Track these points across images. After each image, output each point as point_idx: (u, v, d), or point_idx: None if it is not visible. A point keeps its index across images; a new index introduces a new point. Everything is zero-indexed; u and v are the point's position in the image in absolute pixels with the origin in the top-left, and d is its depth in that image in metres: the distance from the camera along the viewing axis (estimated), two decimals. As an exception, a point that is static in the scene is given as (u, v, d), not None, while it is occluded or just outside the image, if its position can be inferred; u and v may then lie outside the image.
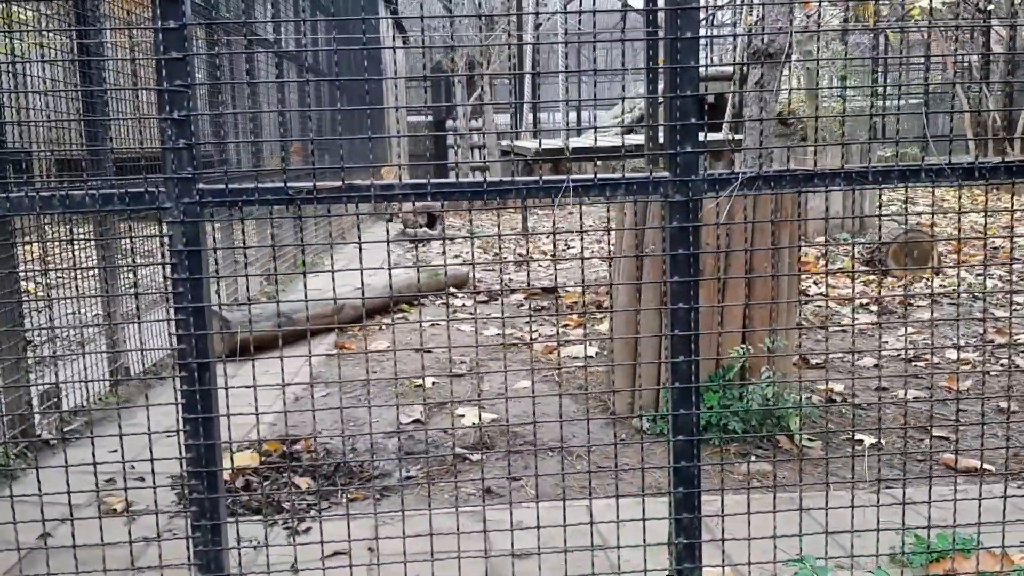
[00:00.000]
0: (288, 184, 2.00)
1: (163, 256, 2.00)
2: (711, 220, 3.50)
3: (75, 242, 3.91)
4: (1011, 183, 2.09)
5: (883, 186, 2.09)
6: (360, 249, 2.13)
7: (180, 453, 2.06)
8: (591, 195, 2.07)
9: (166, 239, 2.00)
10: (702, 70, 2.09)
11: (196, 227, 1.99)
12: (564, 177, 2.05)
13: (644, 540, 2.18)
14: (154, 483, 2.26)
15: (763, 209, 3.56)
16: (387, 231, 2.24)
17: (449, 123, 20.39)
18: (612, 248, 4.16)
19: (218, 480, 2.07)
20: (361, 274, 2.21)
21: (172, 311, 2.01)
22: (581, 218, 2.28)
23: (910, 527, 2.44)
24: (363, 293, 2.38)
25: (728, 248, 3.47)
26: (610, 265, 3.01)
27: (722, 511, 2.20)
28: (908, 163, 2.08)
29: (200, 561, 2.08)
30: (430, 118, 19.96)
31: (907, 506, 2.81)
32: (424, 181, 2.02)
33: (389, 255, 2.28)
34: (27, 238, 3.84)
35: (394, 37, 18.89)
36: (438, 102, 20.65)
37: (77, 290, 3.54)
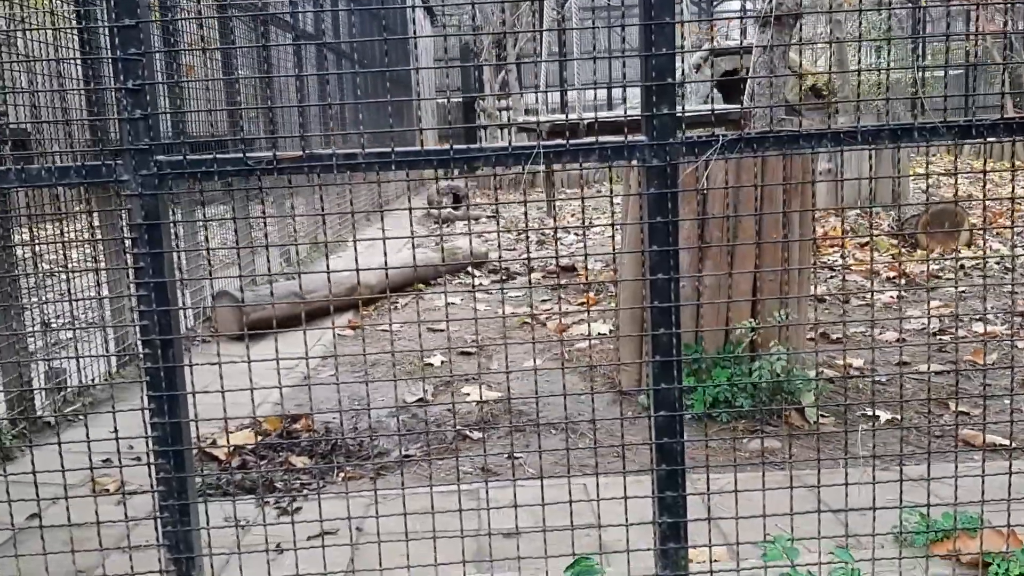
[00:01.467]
0: (247, 155, 1.93)
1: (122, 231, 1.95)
2: (717, 184, 3.39)
3: (68, 222, 3.89)
4: (1011, 141, 1.97)
5: (873, 146, 1.98)
6: (385, 241, 2.06)
7: (146, 432, 2.01)
8: (563, 161, 1.98)
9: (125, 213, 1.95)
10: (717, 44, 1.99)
11: (156, 200, 1.94)
12: (535, 143, 1.96)
13: (626, 520, 2.10)
14: (149, 462, 2.20)
15: (773, 175, 3.43)
16: (410, 216, 2.17)
17: (477, 103, 20.26)
18: (620, 220, 4.06)
19: (185, 459, 2.03)
20: (358, 272, 2.15)
21: (133, 287, 1.96)
22: (582, 189, 2.19)
23: (914, 504, 2.33)
24: (357, 281, 2.31)
25: (725, 215, 3.35)
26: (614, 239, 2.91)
27: (707, 488, 2.12)
28: (900, 122, 1.96)
29: (169, 542, 2.04)
30: (459, 99, 19.86)
31: (914, 483, 2.70)
32: (388, 150, 1.95)
33: (413, 246, 2.21)
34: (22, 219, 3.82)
35: (417, 19, 18.78)
36: (466, 81, 20.54)
37: (67, 271, 3.51)
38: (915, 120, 1.98)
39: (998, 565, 2.07)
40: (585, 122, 6.93)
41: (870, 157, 2.36)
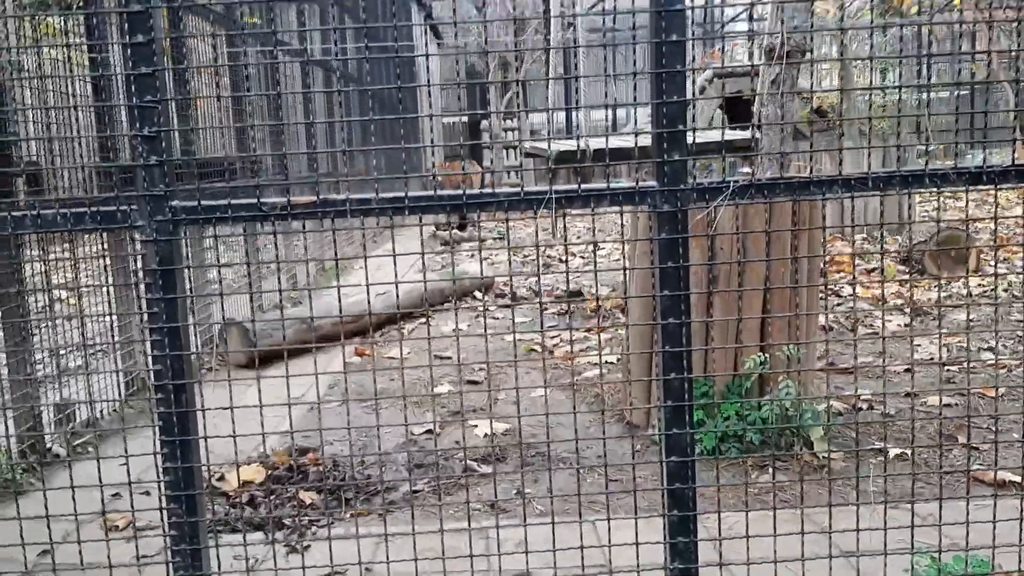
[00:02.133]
0: (261, 200, 1.94)
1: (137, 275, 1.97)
2: (724, 230, 3.40)
3: (80, 259, 3.92)
4: (1022, 187, 1.97)
5: (885, 192, 1.98)
6: (395, 258, 2.07)
7: (158, 476, 2.02)
8: (575, 207, 1.99)
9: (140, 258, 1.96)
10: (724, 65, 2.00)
11: (170, 245, 1.95)
12: (547, 189, 1.97)
13: (637, 565, 2.09)
14: (161, 506, 2.19)
15: (782, 217, 3.44)
16: (421, 242, 2.18)
17: (483, 123, 20.38)
18: (627, 257, 4.07)
19: (198, 503, 2.03)
20: (368, 294, 2.16)
21: (147, 332, 1.97)
22: (595, 232, 2.20)
23: (926, 550, 2.32)
24: (369, 311, 2.32)
25: (742, 259, 3.36)
26: (624, 281, 2.91)
27: (719, 535, 2.11)
28: (911, 168, 1.96)
29: (180, 585, 2.04)
30: (464, 119, 19.98)
31: (925, 525, 2.69)
32: (402, 195, 1.96)
33: (424, 268, 2.22)
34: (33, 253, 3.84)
35: (427, 43, 18.90)
36: (472, 103, 20.64)
37: (80, 308, 3.52)
38: (926, 166, 1.98)
39: (1012, 611, 2.06)
40: (593, 149, 6.95)
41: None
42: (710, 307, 3.51)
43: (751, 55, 3.86)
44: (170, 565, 2.04)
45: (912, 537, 2.23)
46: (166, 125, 1.92)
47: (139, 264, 1.99)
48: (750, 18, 2.37)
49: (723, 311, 3.53)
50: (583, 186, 1.99)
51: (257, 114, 6.96)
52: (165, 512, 2.02)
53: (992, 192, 1.99)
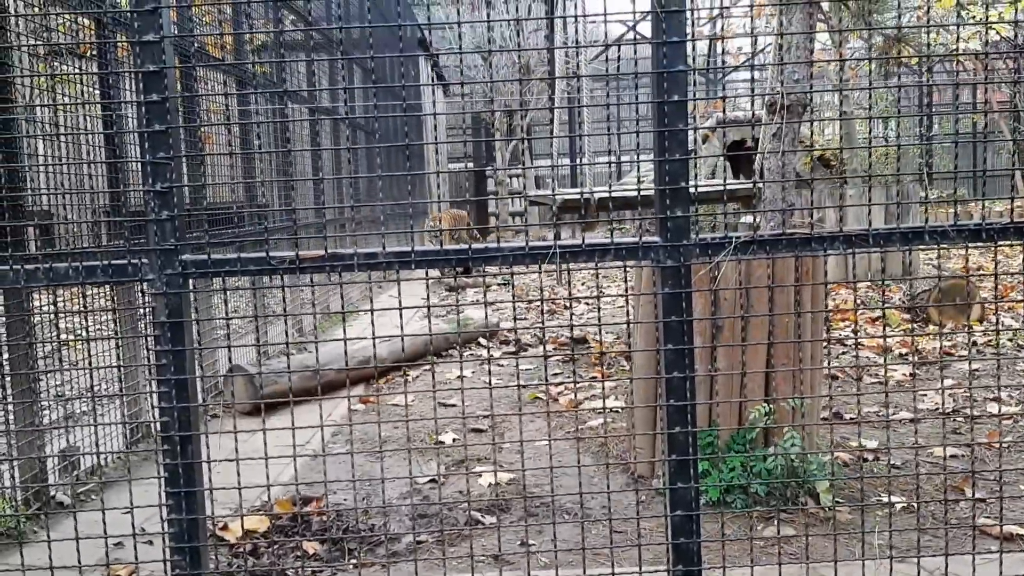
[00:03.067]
0: (270, 255, 1.97)
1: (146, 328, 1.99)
2: (727, 281, 3.42)
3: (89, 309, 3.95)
4: (1022, 244, 2.00)
5: (885, 249, 2.01)
6: (401, 308, 2.10)
7: (163, 528, 2.02)
8: (579, 261, 2.02)
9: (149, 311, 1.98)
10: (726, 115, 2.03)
11: (179, 298, 1.98)
12: (551, 243, 2.00)
13: (642, 620, 2.08)
14: (164, 558, 2.19)
15: (785, 269, 3.46)
16: (427, 292, 2.20)
17: (488, 171, 20.56)
18: (631, 310, 4.09)
19: (202, 556, 2.03)
20: (374, 342, 2.18)
21: (155, 384, 1.99)
22: (598, 279, 2.23)
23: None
24: (375, 355, 2.34)
25: (745, 313, 3.37)
26: (628, 329, 2.95)
27: (723, 572, 2.10)
28: (910, 225, 1.99)
29: (182, 639, 2.03)
30: (471, 165, 20.14)
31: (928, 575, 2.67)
32: (408, 249, 1.99)
33: (430, 315, 2.24)
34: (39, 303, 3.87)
35: (434, 92, 19.15)
36: (478, 150, 20.84)
37: (89, 356, 3.55)
38: (926, 223, 2.01)
39: (1021, 670, 2.04)
40: (597, 197, 7.02)
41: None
42: (714, 359, 3.52)
43: (752, 103, 3.93)
44: (173, 618, 2.03)
45: (918, 593, 2.21)
46: (178, 181, 1.96)
47: (147, 315, 2.02)
48: (751, 68, 2.42)
49: (727, 363, 3.54)
50: (587, 241, 2.02)
51: (266, 160, 7.05)
52: (169, 565, 2.02)
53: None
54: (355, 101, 11.74)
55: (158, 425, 2.00)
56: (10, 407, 3.24)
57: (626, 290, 2.43)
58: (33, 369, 3.42)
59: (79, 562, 2.28)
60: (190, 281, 1.99)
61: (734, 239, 2.00)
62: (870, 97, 2.40)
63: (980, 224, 2.00)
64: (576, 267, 2.05)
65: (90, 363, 2.56)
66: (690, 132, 2.00)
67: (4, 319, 3.30)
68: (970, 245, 2.01)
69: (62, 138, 3.89)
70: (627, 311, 2.34)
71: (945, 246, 1.99)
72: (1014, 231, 2.00)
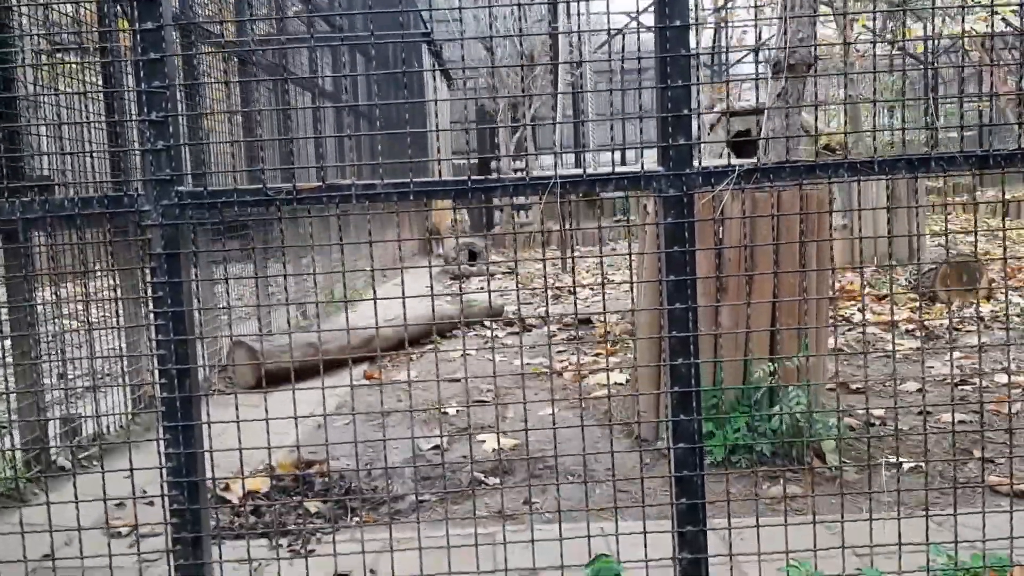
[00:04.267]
0: (267, 185, 1.95)
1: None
2: (731, 230, 3.39)
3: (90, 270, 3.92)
4: (1029, 169, 1.96)
5: (891, 176, 1.98)
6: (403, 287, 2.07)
7: (162, 480, 2.00)
8: (580, 191, 2.00)
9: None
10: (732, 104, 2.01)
11: (176, 230, 1.95)
12: (552, 174, 1.98)
13: (646, 555, 2.05)
14: (163, 493, 2.15)
15: (790, 226, 3.43)
16: (430, 269, 2.18)
17: (492, 163, 20.54)
18: (635, 270, 4.06)
19: (200, 491, 2.01)
20: (376, 322, 2.16)
21: (151, 316, 1.97)
22: (601, 244, 2.20)
23: (941, 541, 2.27)
24: (376, 328, 2.31)
25: (746, 245, 3.34)
26: (632, 288, 2.93)
27: (728, 521, 2.07)
28: (917, 152, 1.96)
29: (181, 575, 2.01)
30: (475, 161, 20.14)
31: (939, 527, 2.64)
32: (407, 180, 1.96)
33: (432, 288, 2.22)
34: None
35: (436, 86, 19.13)
36: (482, 143, 20.82)
37: (88, 320, 3.53)
38: (932, 150, 1.98)
39: (1030, 606, 2.01)
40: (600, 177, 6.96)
41: (888, 212, 2.36)
42: (718, 317, 3.49)
43: (757, 94, 3.89)
44: (170, 555, 2.01)
45: (927, 532, 2.18)
46: (173, 111, 1.94)
47: (143, 251, 2.00)
48: (756, 54, 2.39)
49: (732, 323, 3.51)
50: (587, 172, 1.99)
51: (267, 136, 7.03)
52: (168, 512, 2.00)
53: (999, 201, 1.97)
54: (357, 91, 11.73)
55: (155, 360, 1.98)
56: (9, 368, 3.23)
57: (631, 274, 2.40)
58: (32, 326, 3.40)
59: (77, 517, 2.25)
60: (187, 213, 1.96)
61: (737, 167, 1.97)
62: (875, 80, 2.37)
63: (987, 151, 1.97)
64: (576, 199, 2.02)
65: (89, 324, 2.54)
66: (695, 119, 1.98)
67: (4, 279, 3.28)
68: (977, 172, 1.97)
69: (61, 98, 3.86)
70: (631, 297, 2.31)
71: (953, 173, 1.96)
72: (1021, 158, 1.97)
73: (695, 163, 1.97)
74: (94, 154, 3.77)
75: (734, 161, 2.04)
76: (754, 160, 2.02)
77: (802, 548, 2.12)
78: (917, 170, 1.97)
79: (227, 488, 3.32)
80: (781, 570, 1.80)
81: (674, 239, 1.98)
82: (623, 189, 2.00)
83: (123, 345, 4.37)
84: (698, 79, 2.10)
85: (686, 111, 1.95)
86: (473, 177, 1.97)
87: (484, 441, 4.02)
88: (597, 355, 5.89)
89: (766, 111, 3.80)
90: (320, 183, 1.95)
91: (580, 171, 1.98)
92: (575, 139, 20.24)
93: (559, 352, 6.23)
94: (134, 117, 1.94)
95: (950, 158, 1.96)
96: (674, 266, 1.99)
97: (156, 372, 1.97)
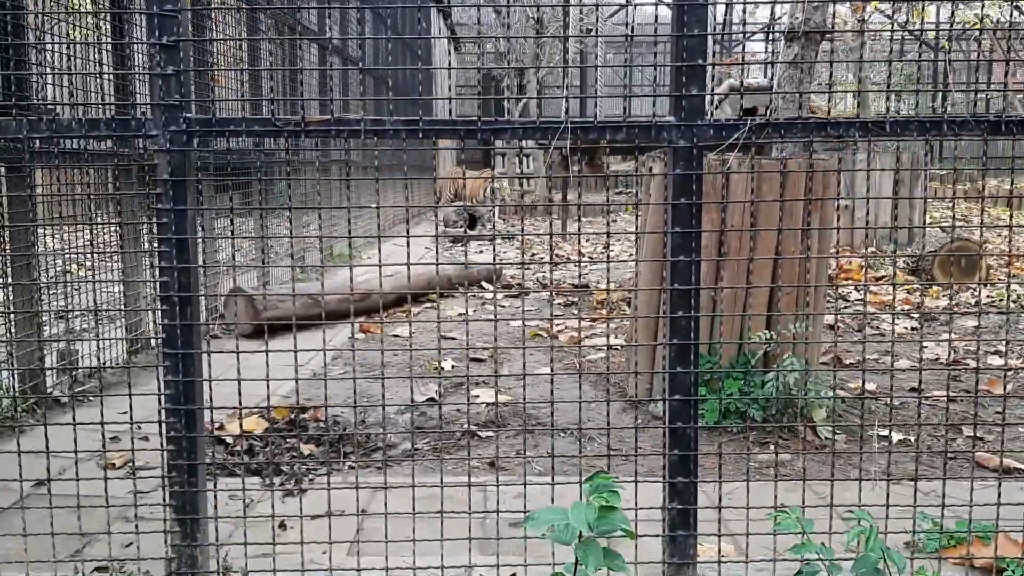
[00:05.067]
0: (276, 116, 1.94)
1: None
2: (736, 196, 3.39)
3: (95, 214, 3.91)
4: (1041, 137, 1.96)
5: (902, 138, 1.97)
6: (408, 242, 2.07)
7: (159, 389, 2.01)
8: (590, 138, 1.99)
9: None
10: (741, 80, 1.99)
11: (183, 156, 1.95)
12: (562, 118, 1.97)
13: (636, 503, 2.07)
14: (160, 419, 2.15)
15: (795, 189, 3.42)
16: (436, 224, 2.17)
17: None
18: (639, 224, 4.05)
19: (197, 419, 2.02)
20: (381, 272, 2.15)
21: (156, 243, 1.97)
22: (608, 193, 2.19)
23: (927, 505, 2.30)
24: (380, 282, 2.31)
25: (752, 200, 3.34)
26: (636, 240, 2.92)
27: (719, 475, 2.09)
28: (928, 114, 1.95)
29: (175, 502, 2.03)
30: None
31: (926, 496, 2.66)
32: (416, 118, 1.95)
33: (438, 244, 2.21)
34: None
35: (449, 49, 18.99)
36: (488, 108, 20.70)
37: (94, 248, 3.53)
38: (944, 113, 1.97)
39: (1013, 571, 2.03)
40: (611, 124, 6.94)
41: (894, 197, 2.35)
42: (719, 280, 3.49)
43: (766, 71, 3.86)
44: (165, 480, 2.02)
45: (915, 497, 2.20)
46: (184, 35, 1.92)
47: (149, 176, 1.99)
48: (767, 33, 2.37)
49: (731, 295, 3.52)
50: (599, 119, 1.98)
51: (277, 90, 6.98)
52: (166, 440, 2.01)
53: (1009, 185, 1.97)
54: (367, 49, 11.64)
55: (158, 287, 1.98)
56: (10, 297, 3.23)
57: (636, 245, 2.39)
58: (31, 250, 3.40)
59: (75, 444, 2.26)
60: (195, 139, 1.96)
61: (749, 121, 1.96)
62: (889, 65, 2.35)
63: (1000, 116, 1.96)
64: (586, 144, 2.01)
65: (93, 247, 2.53)
66: (705, 98, 1.96)
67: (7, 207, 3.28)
68: (990, 138, 1.97)
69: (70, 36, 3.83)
70: (634, 267, 2.30)
71: (964, 136, 1.96)
72: (1034, 123, 1.96)
73: (706, 116, 1.96)
74: (103, 80, 3.73)
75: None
76: (765, 115, 2.01)
77: (790, 504, 2.13)
78: (928, 132, 1.96)
79: (221, 428, 3.34)
80: (769, 516, 1.82)
81: (682, 191, 1.98)
82: (633, 138, 1.99)
83: (123, 289, 4.38)
84: (714, 30, 2.07)
85: (700, 61, 1.94)
86: (483, 117, 1.96)
87: (479, 396, 4.04)
88: (594, 320, 5.90)
89: (778, 79, 3.78)
90: (329, 116, 1.94)
91: (591, 118, 1.97)
92: (581, 111, 20.16)
93: (557, 316, 6.24)
94: (144, 40, 1.92)
95: (962, 121, 1.95)
96: (680, 218, 1.99)
97: (158, 300, 1.98)
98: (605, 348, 4.52)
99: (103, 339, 3.57)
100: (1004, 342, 4.78)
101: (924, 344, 5.25)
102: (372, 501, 2.77)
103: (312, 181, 7.20)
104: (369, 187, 10.10)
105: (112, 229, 4.54)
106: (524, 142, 2.06)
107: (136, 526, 2.11)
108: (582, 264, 9.01)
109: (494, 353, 3.07)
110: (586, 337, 5.39)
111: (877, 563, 1.69)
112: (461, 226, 11.39)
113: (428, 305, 6.55)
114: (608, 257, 2.12)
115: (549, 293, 2.37)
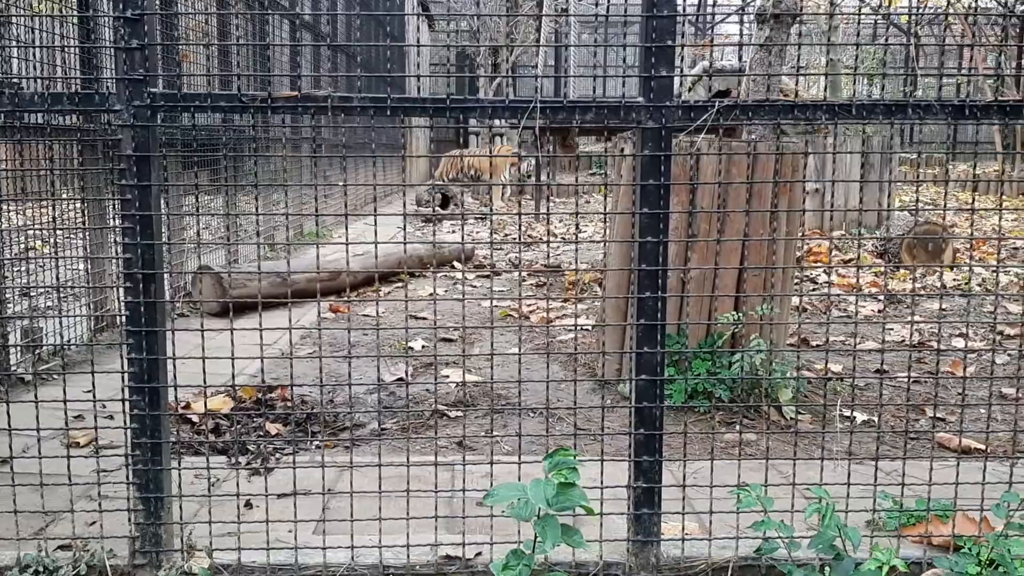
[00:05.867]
0: (242, 92, 1.92)
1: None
2: (705, 178, 3.41)
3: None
4: (1001, 123, 1.98)
5: (868, 121, 1.99)
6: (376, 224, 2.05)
7: (123, 367, 1.99)
8: (559, 118, 1.98)
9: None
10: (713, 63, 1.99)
11: (147, 131, 1.92)
12: (532, 96, 1.96)
13: (601, 482, 2.09)
14: (124, 398, 2.13)
15: (764, 171, 3.44)
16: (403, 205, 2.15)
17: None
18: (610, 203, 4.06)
19: (160, 397, 2.01)
20: (346, 251, 2.14)
21: (119, 219, 1.94)
22: (577, 173, 2.19)
23: (887, 483, 2.34)
24: (347, 260, 2.30)
25: (719, 182, 3.36)
26: (606, 222, 2.93)
27: (684, 454, 2.11)
28: (895, 98, 1.97)
29: (139, 480, 2.01)
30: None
31: (886, 476, 2.71)
32: (385, 95, 1.94)
33: (405, 227, 2.20)
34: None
35: (418, 22, 18.83)
36: (461, 87, 20.59)
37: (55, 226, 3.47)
38: (909, 97, 1.99)
39: (969, 548, 2.08)
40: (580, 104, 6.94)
41: (860, 185, 2.38)
42: (687, 262, 3.51)
43: (740, 55, 3.86)
44: (128, 458, 2.01)
45: (875, 476, 2.24)
46: (149, 8, 1.89)
47: (113, 153, 1.96)
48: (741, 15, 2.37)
49: (699, 273, 3.54)
50: (568, 99, 1.98)
51: (243, 65, 6.89)
52: (129, 419, 1.99)
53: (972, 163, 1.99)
54: (339, 25, 11.52)
55: (121, 263, 1.96)
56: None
57: (605, 228, 2.39)
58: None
59: (37, 421, 2.23)
60: (159, 115, 1.93)
61: (717, 103, 1.97)
62: (857, 49, 2.36)
63: (963, 101, 1.98)
64: (557, 125, 2.01)
65: (55, 223, 2.49)
66: (676, 80, 1.96)
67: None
68: (953, 122, 1.99)
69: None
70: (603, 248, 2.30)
71: (930, 120, 1.97)
72: (997, 109, 1.98)
73: (675, 98, 1.97)
74: (67, 54, 3.66)
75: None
76: (734, 97, 2.02)
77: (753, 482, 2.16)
78: (894, 115, 1.98)
79: (188, 407, 3.32)
80: (731, 494, 1.84)
81: (650, 172, 1.98)
82: (602, 118, 1.99)
83: (88, 266, 4.32)
84: (684, 11, 2.08)
85: (670, 42, 1.94)
86: (452, 96, 1.95)
87: (448, 376, 4.04)
88: (565, 301, 5.91)
89: (749, 61, 3.80)
90: (296, 92, 1.92)
91: (560, 98, 1.97)
92: (556, 90, 20.11)
93: (528, 296, 6.25)
94: (108, 13, 1.89)
95: (927, 105, 1.97)
96: (648, 199, 1.99)
97: (122, 276, 1.95)
98: (575, 327, 4.54)
99: (67, 316, 3.52)
100: (965, 324, 4.86)
101: (889, 326, 5.33)
102: (339, 480, 2.77)
103: (282, 158, 7.13)
104: (341, 165, 10.04)
105: (77, 205, 4.47)
106: (495, 121, 2.05)
107: (100, 504, 2.10)
108: (554, 245, 9.02)
109: (463, 333, 3.06)
110: (557, 318, 5.41)
111: (833, 540, 1.72)
112: (433, 205, 11.36)
113: (399, 285, 6.54)
114: (577, 238, 2.12)
115: (519, 274, 2.37)
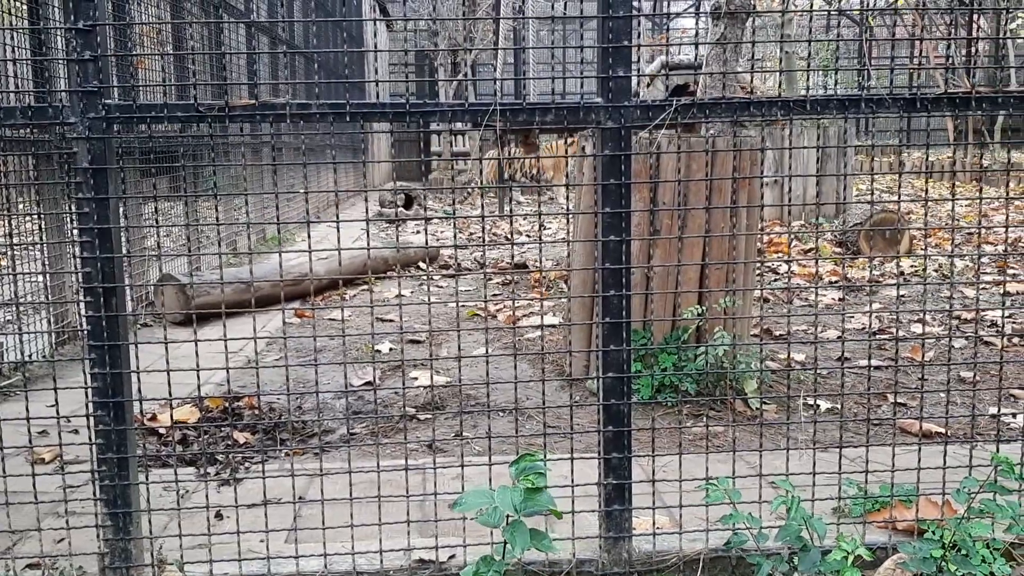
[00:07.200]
0: (199, 101, 1.91)
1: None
2: (666, 174, 3.44)
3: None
4: (952, 115, 2.03)
5: (822, 116, 2.02)
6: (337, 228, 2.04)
7: (86, 382, 1.97)
8: (519, 120, 1.99)
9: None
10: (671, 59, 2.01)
11: (103, 144, 1.90)
12: (492, 101, 1.97)
13: (572, 480, 2.10)
14: (88, 413, 2.11)
15: (723, 166, 3.48)
16: (366, 209, 2.15)
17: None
18: (572, 208, 4.08)
19: (126, 411, 1.99)
20: (310, 258, 2.13)
21: (77, 233, 1.92)
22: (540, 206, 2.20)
23: (852, 471, 2.38)
24: (310, 266, 2.29)
25: (680, 180, 3.39)
26: (569, 221, 2.94)
27: (652, 449, 2.13)
28: (848, 93, 2.01)
29: (106, 496, 1.99)
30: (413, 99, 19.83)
31: (852, 462, 2.76)
32: (344, 101, 1.94)
33: (368, 231, 2.19)
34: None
35: (376, 22, 18.74)
36: (421, 89, 20.52)
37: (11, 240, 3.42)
38: (862, 91, 2.03)
39: (933, 532, 2.12)
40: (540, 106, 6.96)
41: (818, 175, 2.42)
42: (651, 259, 3.54)
43: (696, 50, 3.92)
44: (95, 475, 1.98)
45: (840, 464, 2.28)
46: (102, 19, 1.87)
47: (68, 163, 1.93)
48: (696, 12, 2.40)
49: (663, 271, 3.57)
50: (528, 101, 1.99)
51: (200, 73, 6.82)
52: (94, 434, 1.96)
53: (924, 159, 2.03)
54: (296, 29, 11.43)
55: (80, 278, 1.94)
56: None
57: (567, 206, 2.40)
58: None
59: (1, 442, 2.20)
60: (114, 127, 1.91)
61: (675, 101, 1.99)
62: (809, 45, 2.41)
63: (915, 94, 2.02)
64: (517, 127, 2.02)
65: (11, 237, 2.45)
66: (634, 77, 1.98)
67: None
68: (905, 115, 2.03)
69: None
70: (567, 246, 2.32)
71: (881, 114, 2.01)
72: (947, 101, 2.03)
73: (633, 98, 1.98)
74: (16, 64, 3.60)
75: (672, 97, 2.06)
76: (692, 96, 2.04)
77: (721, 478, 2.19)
78: (847, 110, 2.02)
79: (154, 419, 3.29)
80: (700, 488, 1.87)
81: (610, 172, 2.00)
82: (561, 120, 2.01)
83: (47, 280, 4.25)
84: (639, 15, 2.09)
85: (627, 42, 1.95)
86: (412, 101, 1.95)
87: (417, 379, 4.04)
88: (531, 299, 5.93)
89: (705, 57, 3.83)
90: (254, 100, 1.91)
91: (520, 101, 1.98)
92: (516, 91, 20.12)
93: (494, 295, 6.26)
94: (60, 25, 1.86)
95: (879, 100, 2.01)
96: (610, 198, 2.01)
97: (81, 291, 1.93)
98: (542, 326, 4.56)
99: (27, 332, 3.47)
100: (922, 312, 4.93)
101: (849, 315, 5.41)
102: (309, 488, 2.76)
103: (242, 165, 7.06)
104: (302, 170, 9.97)
105: (34, 218, 4.40)
106: (455, 124, 2.05)
107: (67, 521, 2.08)
108: (519, 244, 9.05)
109: (430, 335, 3.06)
110: (524, 316, 5.42)
111: (800, 531, 1.75)
112: (397, 206, 11.32)
113: (364, 288, 6.51)
114: (541, 237, 2.13)
115: (483, 274, 2.38)
